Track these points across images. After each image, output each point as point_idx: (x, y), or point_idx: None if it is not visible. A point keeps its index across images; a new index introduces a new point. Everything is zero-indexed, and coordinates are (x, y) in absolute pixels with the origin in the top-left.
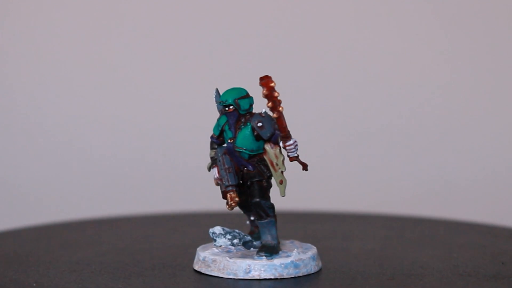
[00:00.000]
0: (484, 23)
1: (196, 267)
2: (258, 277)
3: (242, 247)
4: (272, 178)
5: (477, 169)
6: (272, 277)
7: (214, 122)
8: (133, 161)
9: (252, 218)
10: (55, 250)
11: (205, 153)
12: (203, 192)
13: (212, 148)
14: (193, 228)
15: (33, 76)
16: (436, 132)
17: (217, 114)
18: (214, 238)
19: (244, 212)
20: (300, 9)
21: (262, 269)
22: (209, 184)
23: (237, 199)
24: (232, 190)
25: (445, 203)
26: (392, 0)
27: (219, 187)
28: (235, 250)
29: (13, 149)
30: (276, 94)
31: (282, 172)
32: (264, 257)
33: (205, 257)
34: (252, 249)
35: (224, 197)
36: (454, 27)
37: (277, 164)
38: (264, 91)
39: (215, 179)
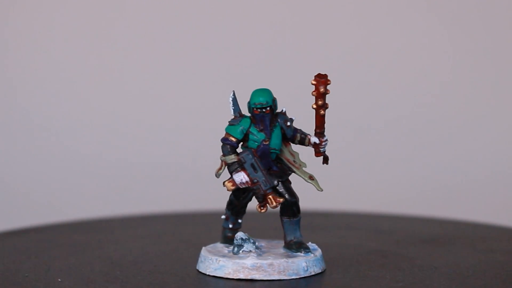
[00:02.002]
0: (485, 23)
1: (242, 276)
2: (313, 273)
3: (259, 250)
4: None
5: (477, 169)
6: (320, 271)
7: (213, 121)
8: (132, 161)
9: (240, 221)
10: (57, 251)
11: (203, 153)
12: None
13: (228, 152)
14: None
15: (34, 76)
16: (436, 132)
17: (223, 115)
18: (242, 244)
19: (235, 214)
20: (302, 8)
21: (314, 264)
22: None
23: (281, 199)
24: (272, 192)
25: (445, 203)
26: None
27: (221, 189)
28: (261, 253)
29: (13, 149)
30: (328, 92)
31: (303, 168)
32: (310, 253)
33: (256, 263)
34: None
35: (263, 199)
36: (455, 27)
37: (295, 162)
38: (322, 89)
39: (239, 183)
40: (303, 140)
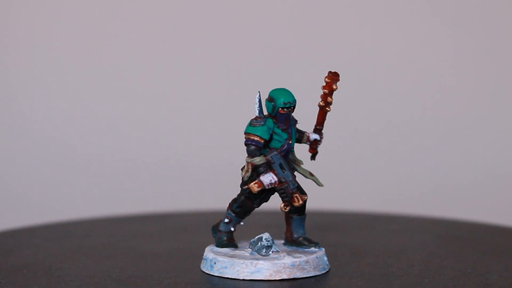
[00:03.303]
0: (486, 24)
1: (285, 276)
2: (330, 266)
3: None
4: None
5: (477, 169)
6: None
7: (214, 121)
8: (133, 161)
9: (242, 223)
10: (58, 252)
11: (201, 153)
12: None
13: (254, 154)
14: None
15: (33, 76)
16: (436, 132)
17: (224, 115)
18: (271, 244)
19: (240, 216)
20: (303, 9)
21: (327, 258)
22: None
23: (306, 197)
24: (297, 190)
25: (444, 203)
26: (396, 1)
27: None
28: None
29: (13, 149)
30: (336, 89)
31: (301, 165)
32: (321, 247)
33: (295, 261)
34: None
35: (290, 198)
36: (456, 28)
37: (294, 159)
38: (334, 87)
39: (268, 184)
40: (300, 137)
